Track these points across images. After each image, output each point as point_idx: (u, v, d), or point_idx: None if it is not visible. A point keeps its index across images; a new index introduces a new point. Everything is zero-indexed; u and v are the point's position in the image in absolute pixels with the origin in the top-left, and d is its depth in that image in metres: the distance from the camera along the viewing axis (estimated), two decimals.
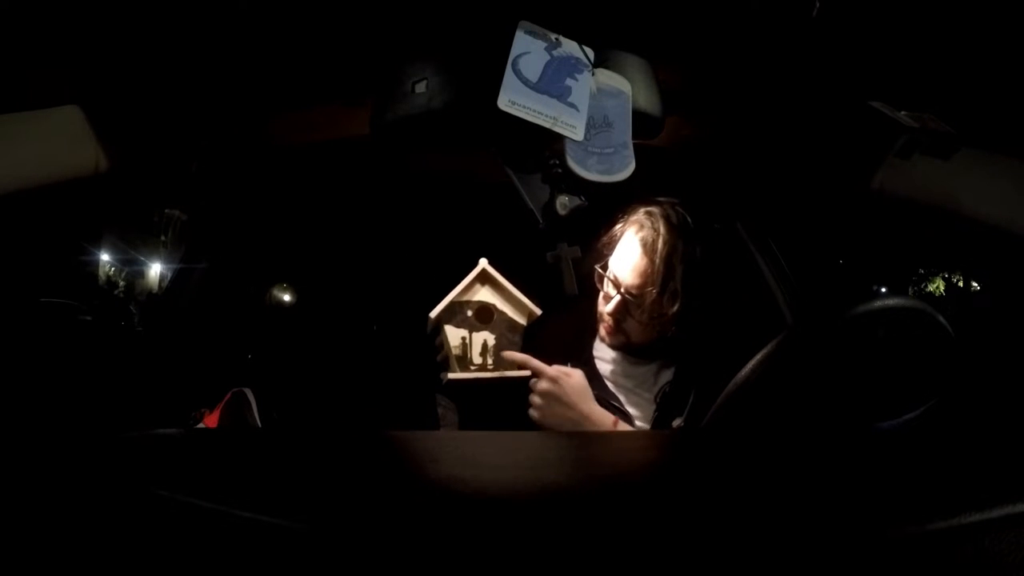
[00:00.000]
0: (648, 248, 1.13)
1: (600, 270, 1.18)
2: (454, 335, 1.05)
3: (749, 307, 1.53)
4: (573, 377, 1.06)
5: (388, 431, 1.03)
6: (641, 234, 1.15)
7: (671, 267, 1.12)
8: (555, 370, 1.06)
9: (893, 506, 0.44)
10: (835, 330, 0.76)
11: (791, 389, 0.75)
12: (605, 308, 1.18)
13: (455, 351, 1.04)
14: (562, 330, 1.25)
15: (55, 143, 0.71)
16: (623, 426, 1.08)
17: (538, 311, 1.07)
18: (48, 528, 0.44)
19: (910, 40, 0.74)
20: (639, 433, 1.10)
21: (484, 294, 1.07)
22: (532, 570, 0.40)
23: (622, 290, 1.14)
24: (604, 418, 1.06)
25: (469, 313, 1.05)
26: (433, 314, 1.05)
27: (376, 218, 1.53)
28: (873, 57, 0.77)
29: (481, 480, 0.50)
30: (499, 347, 1.05)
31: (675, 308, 1.12)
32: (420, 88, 0.73)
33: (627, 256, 1.16)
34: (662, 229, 1.13)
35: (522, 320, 1.07)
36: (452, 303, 1.05)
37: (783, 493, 0.48)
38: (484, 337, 1.05)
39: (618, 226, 1.20)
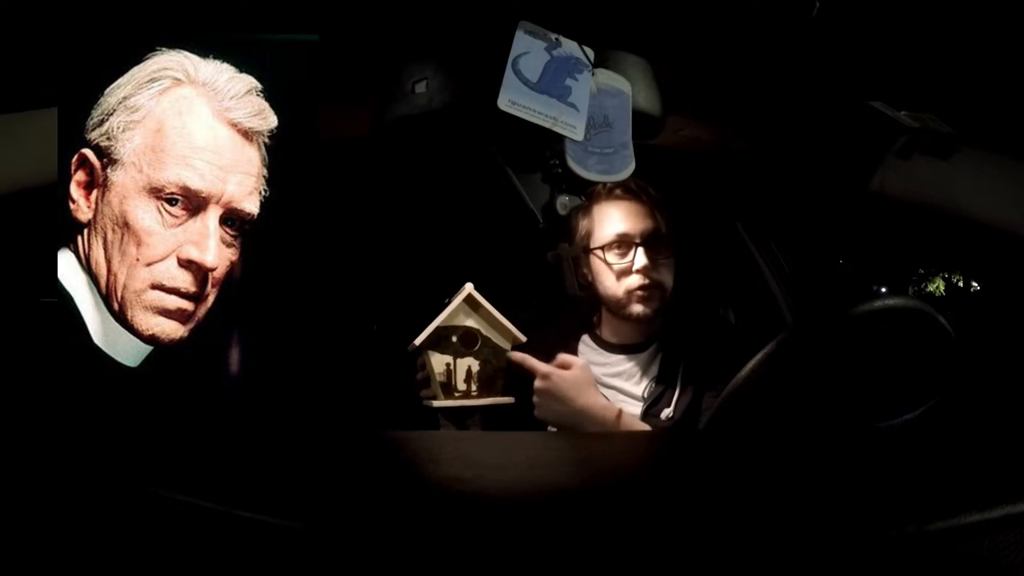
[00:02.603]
0: (630, 192, 1.18)
1: (600, 254, 1.18)
2: (438, 361, 1.04)
3: (734, 300, 1.54)
4: (571, 370, 1.05)
5: (388, 431, 1.03)
6: (616, 192, 1.19)
7: (659, 203, 1.18)
8: (548, 367, 1.05)
9: (893, 506, 0.44)
10: (835, 330, 0.76)
11: (791, 389, 0.75)
12: (631, 277, 1.17)
13: (439, 377, 1.04)
14: (547, 335, 1.26)
15: (54, 143, 0.71)
16: (627, 417, 1.06)
17: (522, 337, 1.06)
18: (48, 528, 0.44)
19: (910, 40, 0.74)
20: (638, 433, 1.10)
21: (469, 319, 1.06)
22: (532, 570, 0.40)
23: (637, 240, 1.15)
24: (605, 411, 1.05)
25: (454, 339, 1.05)
26: (418, 341, 1.05)
27: (376, 218, 1.53)
28: (873, 57, 0.77)
29: (481, 480, 0.50)
30: (483, 373, 1.05)
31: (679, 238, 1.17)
32: (420, 88, 0.74)
33: (615, 213, 1.18)
34: (630, 183, 1.17)
35: (506, 345, 1.06)
36: (437, 328, 1.04)
37: (783, 493, 0.48)
38: (468, 363, 1.05)
39: (585, 220, 1.22)
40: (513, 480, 0.50)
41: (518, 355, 1.05)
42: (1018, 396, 0.79)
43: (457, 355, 1.04)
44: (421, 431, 1.07)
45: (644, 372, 1.21)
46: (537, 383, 1.05)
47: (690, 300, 1.25)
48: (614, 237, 1.17)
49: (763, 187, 1.31)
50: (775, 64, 0.80)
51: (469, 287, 1.05)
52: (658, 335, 1.22)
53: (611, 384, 1.21)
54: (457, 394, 1.04)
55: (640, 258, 1.16)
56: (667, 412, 1.15)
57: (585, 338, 1.26)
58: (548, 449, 0.65)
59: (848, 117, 0.86)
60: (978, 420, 0.75)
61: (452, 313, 1.04)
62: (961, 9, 0.70)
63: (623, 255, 1.17)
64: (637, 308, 1.18)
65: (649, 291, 1.18)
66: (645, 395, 1.18)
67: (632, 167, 0.80)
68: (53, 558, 0.43)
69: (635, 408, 1.18)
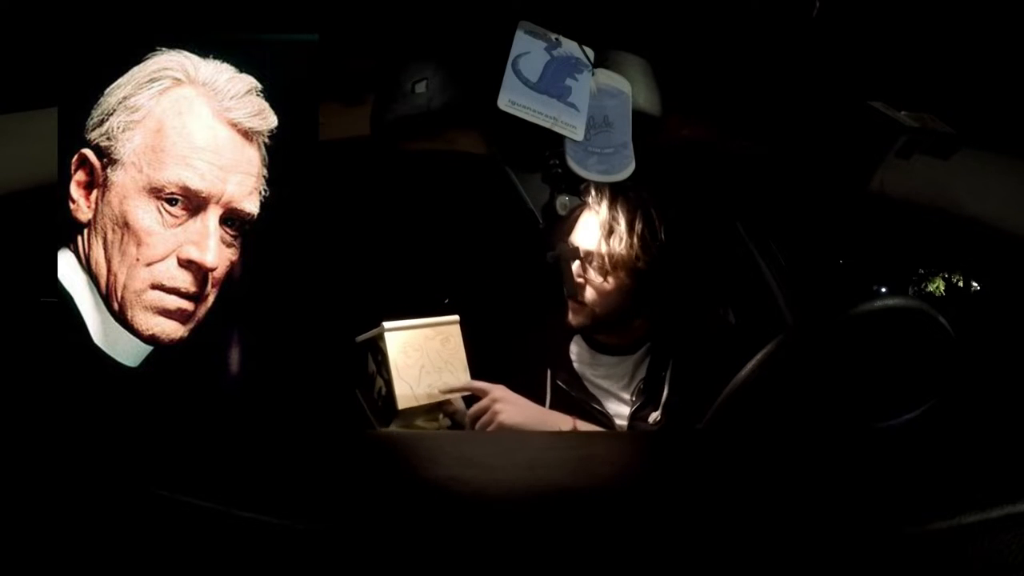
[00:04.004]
0: (594, 203, 1.16)
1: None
2: (369, 362, 1.07)
3: (734, 300, 1.54)
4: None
5: (387, 431, 1.03)
6: (587, 199, 1.17)
7: (614, 217, 1.15)
8: (495, 384, 1.10)
9: (893, 506, 0.44)
10: (835, 330, 0.76)
11: (791, 389, 0.75)
12: (567, 287, 1.18)
13: (367, 371, 1.07)
14: (539, 336, 1.26)
15: (54, 143, 0.71)
16: (582, 424, 1.10)
17: (399, 406, 1.05)
18: (48, 528, 0.44)
19: (910, 40, 0.74)
20: (638, 433, 1.10)
21: (386, 351, 1.06)
22: (532, 570, 0.40)
23: (578, 254, 1.15)
24: (563, 418, 1.10)
25: (380, 357, 1.06)
26: (359, 339, 1.06)
27: (376, 218, 1.53)
28: (873, 57, 0.77)
29: (481, 480, 0.50)
30: (387, 399, 1.05)
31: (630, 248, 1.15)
32: (420, 88, 0.74)
33: (577, 221, 1.17)
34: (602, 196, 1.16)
35: (399, 404, 1.05)
36: (369, 339, 1.06)
37: (783, 493, 0.48)
38: (380, 384, 1.06)
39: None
40: (513, 480, 0.50)
41: (469, 384, 1.10)
42: (1018, 396, 0.79)
43: (376, 372, 1.07)
44: (421, 431, 1.07)
45: (633, 375, 1.20)
46: (494, 393, 1.08)
47: (682, 303, 1.25)
48: (568, 245, 1.17)
49: (763, 187, 1.31)
50: (775, 64, 0.80)
51: (383, 328, 1.05)
52: (648, 338, 1.21)
53: (601, 386, 1.21)
54: (373, 398, 1.07)
55: (573, 271, 1.15)
56: (655, 416, 1.15)
57: (577, 339, 1.26)
58: (548, 449, 0.65)
59: (848, 117, 0.86)
60: (978, 420, 0.75)
61: (376, 337, 1.06)
62: (961, 9, 0.70)
63: (569, 264, 1.17)
64: (569, 316, 1.20)
65: (577, 305, 1.18)
66: (633, 398, 1.18)
67: (632, 167, 0.80)
68: (53, 558, 0.43)
69: (623, 410, 1.18)
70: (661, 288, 1.18)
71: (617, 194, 1.15)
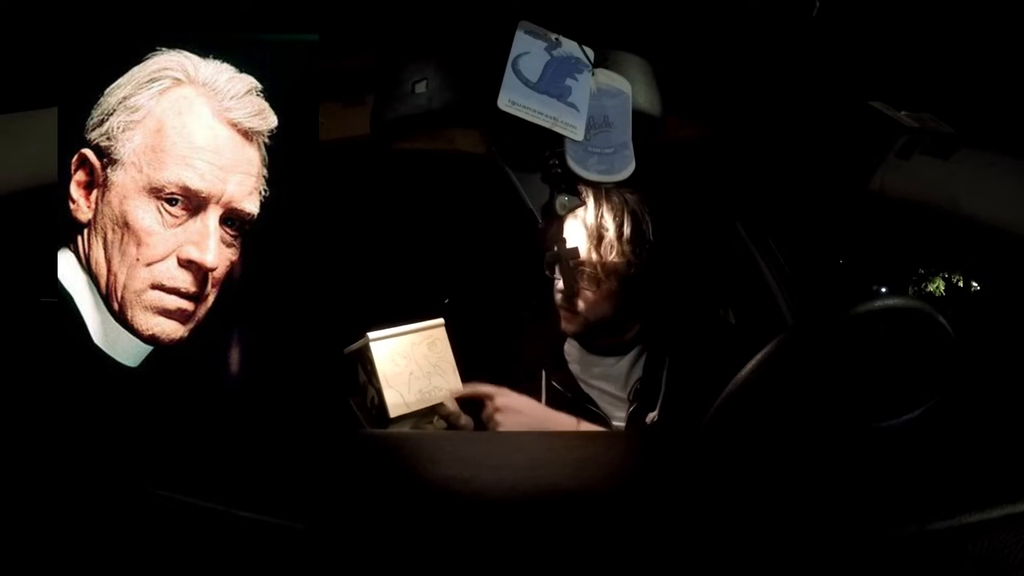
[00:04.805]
0: (583, 208, 1.12)
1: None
2: (359, 372, 1.07)
3: (734, 300, 1.54)
4: (513, 392, 1.07)
5: (387, 431, 1.03)
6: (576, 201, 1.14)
7: (602, 224, 1.12)
8: (497, 388, 1.06)
9: (893, 506, 0.44)
10: (835, 330, 0.76)
11: (791, 389, 0.75)
12: (556, 293, 1.16)
13: (358, 381, 1.06)
14: (536, 337, 1.25)
15: (54, 143, 0.71)
16: (585, 425, 1.07)
17: (392, 414, 1.06)
18: (48, 528, 0.44)
19: (910, 40, 0.74)
20: (639, 434, 1.10)
21: (378, 360, 1.06)
22: (532, 570, 0.40)
23: (564, 260, 1.10)
24: (566, 419, 1.06)
25: (368, 367, 1.06)
26: (346, 350, 1.06)
27: (376, 218, 1.53)
28: (873, 57, 0.77)
29: (481, 480, 0.50)
30: (380, 407, 1.05)
31: (615, 257, 1.11)
32: (420, 88, 0.74)
33: (565, 225, 1.12)
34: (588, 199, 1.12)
35: (391, 411, 1.05)
36: (356, 350, 1.06)
37: (783, 493, 0.48)
38: (372, 393, 1.06)
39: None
40: (513, 480, 0.50)
41: (469, 388, 1.05)
42: (1018, 396, 0.79)
43: (367, 382, 1.06)
44: (421, 431, 1.07)
45: (629, 375, 1.19)
46: (497, 402, 1.04)
47: (676, 302, 1.24)
48: (559, 252, 1.13)
49: (763, 187, 1.31)
50: (775, 64, 0.80)
51: (368, 339, 1.05)
52: (642, 338, 1.20)
53: (596, 386, 1.20)
54: (367, 407, 1.06)
55: (559, 278, 1.12)
56: (652, 416, 1.14)
57: (572, 339, 1.26)
58: (548, 449, 0.65)
59: (848, 117, 0.86)
60: (978, 420, 0.75)
61: (363, 348, 1.05)
62: (961, 9, 0.71)
63: (552, 271, 1.13)
64: (562, 323, 1.18)
65: (566, 312, 1.16)
66: (630, 398, 1.18)
67: (632, 167, 0.80)
68: (53, 558, 0.43)
69: (620, 411, 1.18)
70: (654, 290, 1.17)
71: (601, 198, 1.13)
